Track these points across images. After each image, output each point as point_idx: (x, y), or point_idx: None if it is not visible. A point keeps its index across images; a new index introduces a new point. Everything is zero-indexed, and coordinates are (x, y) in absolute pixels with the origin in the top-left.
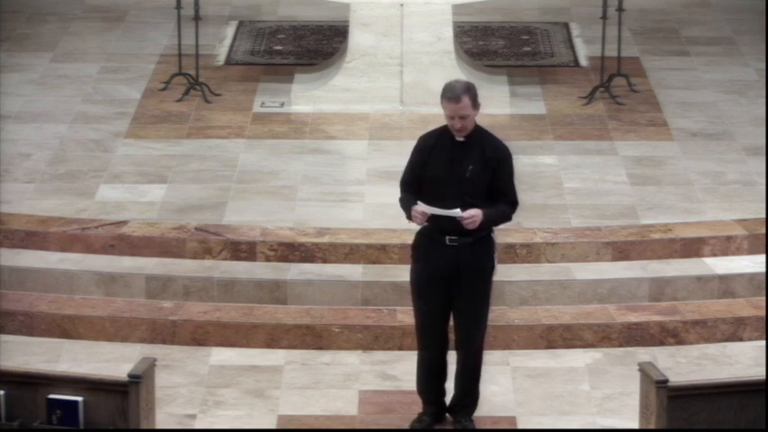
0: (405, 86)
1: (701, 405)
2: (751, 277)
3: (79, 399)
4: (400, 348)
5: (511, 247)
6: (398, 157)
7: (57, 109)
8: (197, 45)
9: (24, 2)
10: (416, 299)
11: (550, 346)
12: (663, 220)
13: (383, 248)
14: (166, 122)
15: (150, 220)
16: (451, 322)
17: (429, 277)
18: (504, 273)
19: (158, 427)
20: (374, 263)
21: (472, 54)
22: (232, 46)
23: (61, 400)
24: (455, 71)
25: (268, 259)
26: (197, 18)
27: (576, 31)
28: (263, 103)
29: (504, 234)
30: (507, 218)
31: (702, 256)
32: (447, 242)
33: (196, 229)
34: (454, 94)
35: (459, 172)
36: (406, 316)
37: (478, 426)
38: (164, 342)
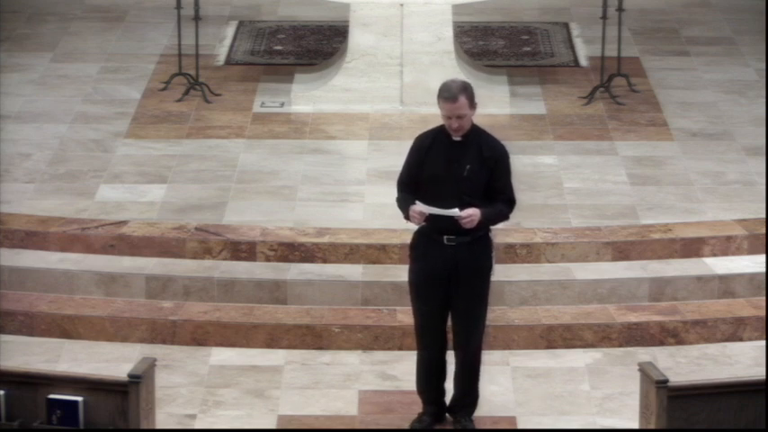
0: (405, 86)
1: (701, 405)
2: (751, 277)
3: (79, 399)
4: (400, 348)
5: (511, 247)
6: (398, 157)
7: (57, 109)
8: (197, 45)
9: (24, 2)
10: (415, 299)
11: (550, 346)
12: (663, 220)
13: (383, 248)
14: (166, 122)
15: (150, 220)
16: (450, 322)
17: (427, 277)
18: (504, 273)
19: (158, 427)
20: (374, 263)
21: (472, 54)
22: (232, 46)
23: (61, 400)
24: (455, 71)
25: (268, 259)
26: (197, 18)
27: (575, 31)
28: (263, 103)
29: (504, 234)
30: (505, 217)
31: (702, 256)
32: (445, 242)
33: (196, 229)
34: (451, 93)
35: (457, 171)
36: (405, 316)
37: (478, 426)
38: (164, 342)
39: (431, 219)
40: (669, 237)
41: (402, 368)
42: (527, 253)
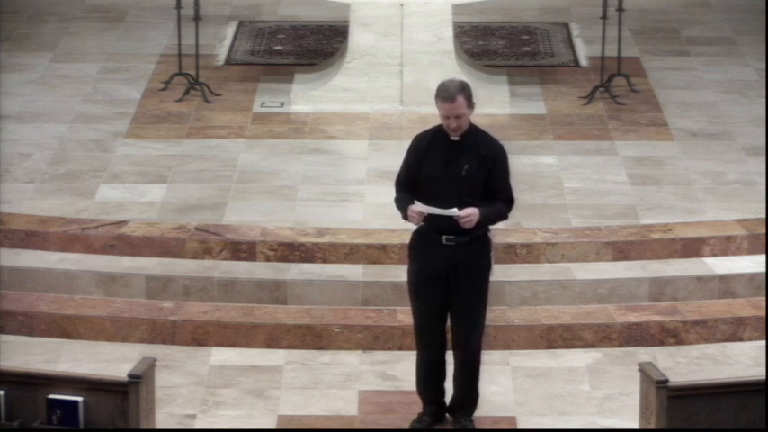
0: (405, 86)
1: (701, 405)
2: (751, 277)
3: (79, 399)
4: (400, 348)
5: (511, 247)
6: (398, 157)
7: (57, 109)
8: (197, 45)
9: (24, 2)
10: (414, 299)
11: (550, 346)
12: (663, 220)
13: (383, 248)
14: (166, 122)
15: (150, 220)
16: (450, 322)
17: (426, 277)
18: (504, 273)
19: (158, 427)
20: (374, 263)
21: (472, 54)
22: (232, 46)
23: (61, 400)
24: (455, 71)
25: (268, 259)
26: (197, 18)
27: (575, 31)
28: (263, 103)
29: (503, 234)
30: (504, 216)
31: (702, 256)
32: (444, 242)
33: (196, 229)
34: (449, 93)
35: (455, 171)
36: (405, 316)
37: (478, 426)
38: (164, 342)
39: (429, 219)
40: (669, 237)
41: (402, 368)
42: (527, 253)
